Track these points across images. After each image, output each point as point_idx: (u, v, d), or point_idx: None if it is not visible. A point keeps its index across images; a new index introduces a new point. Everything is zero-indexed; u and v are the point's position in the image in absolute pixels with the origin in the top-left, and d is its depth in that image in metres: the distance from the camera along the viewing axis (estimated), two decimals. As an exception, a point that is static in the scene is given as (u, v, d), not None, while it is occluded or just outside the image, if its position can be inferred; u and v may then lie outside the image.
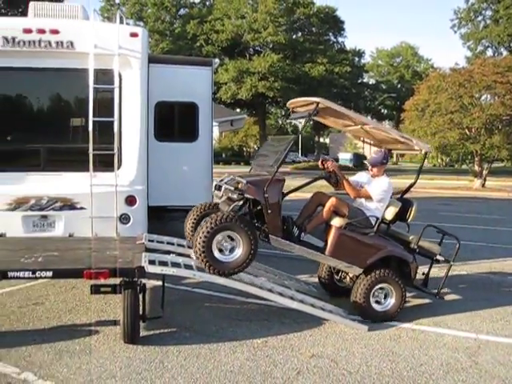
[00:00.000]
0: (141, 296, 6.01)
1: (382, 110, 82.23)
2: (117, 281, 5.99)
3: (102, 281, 5.97)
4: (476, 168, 33.27)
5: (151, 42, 40.55)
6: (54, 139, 8.15)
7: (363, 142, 8.99)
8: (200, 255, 6.17)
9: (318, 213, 7.21)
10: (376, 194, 7.14)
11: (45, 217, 7.94)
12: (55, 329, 6.38)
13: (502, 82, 29.19)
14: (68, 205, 7.87)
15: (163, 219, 9.41)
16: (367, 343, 6.13)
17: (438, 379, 5.25)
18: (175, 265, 6.47)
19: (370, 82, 74.40)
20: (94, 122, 7.63)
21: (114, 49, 7.71)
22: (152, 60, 8.46)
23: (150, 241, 7.38)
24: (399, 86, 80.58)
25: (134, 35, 7.93)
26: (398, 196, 7.80)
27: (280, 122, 72.66)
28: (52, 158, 8.16)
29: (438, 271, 8.66)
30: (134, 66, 7.90)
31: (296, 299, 6.70)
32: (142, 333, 6.01)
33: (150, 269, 5.96)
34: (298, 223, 6.99)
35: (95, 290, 6.06)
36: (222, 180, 6.75)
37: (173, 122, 9.30)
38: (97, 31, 7.92)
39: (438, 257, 7.50)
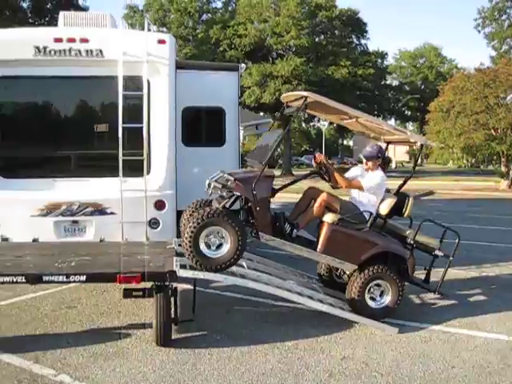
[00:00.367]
0: (172, 299, 6.09)
1: (406, 112, 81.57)
2: (148, 285, 6.09)
3: (133, 285, 6.08)
4: (502, 169, 32.86)
5: (175, 47, 40.66)
6: (84, 145, 8.30)
7: (359, 133, 8.79)
8: (187, 250, 6.21)
9: (310, 209, 7.14)
10: (367, 185, 7.01)
11: (76, 222, 8.07)
12: (88, 332, 6.50)
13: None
14: (98, 210, 7.99)
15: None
16: (398, 345, 6.13)
17: (471, 381, 5.24)
18: (205, 269, 6.55)
19: (394, 84, 73.91)
20: (123, 128, 7.75)
21: (142, 56, 7.81)
22: (179, 66, 8.53)
23: (179, 245, 7.45)
24: (423, 87, 79.94)
25: (161, 42, 8.02)
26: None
27: (304, 125, 72.74)
28: (82, 163, 8.32)
29: (464, 273, 8.63)
30: (162, 73, 7.99)
31: (325, 302, 6.74)
32: (174, 336, 6.10)
33: (182, 273, 6.05)
34: (290, 220, 6.94)
35: (127, 293, 6.18)
36: (212, 177, 6.67)
37: (200, 126, 9.37)
38: (125, 39, 8.05)
39: (437, 252, 7.28)
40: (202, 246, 6.22)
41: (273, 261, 8.21)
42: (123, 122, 7.73)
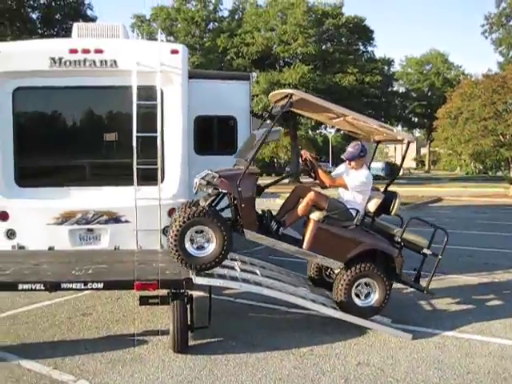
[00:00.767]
0: (188, 306, 6.16)
1: (413, 118, 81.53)
2: (164, 292, 6.17)
3: (150, 292, 6.16)
4: (511, 175, 32.80)
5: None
6: (99, 155, 8.40)
7: (349, 133, 8.73)
8: (172, 248, 6.28)
9: (297, 207, 7.10)
10: (352, 183, 6.98)
11: (91, 230, 8.17)
12: (105, 338, 6.58)
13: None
14: (113, 218, 8.08)
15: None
16: (412, 351, 6.17)
17: (486, 387, 5.28)
18: (221, 276, 6.64)
19: (400, 91, 73.89)
20: (137, 137, 7.86)
21: (155, 66, 7.92)
22: (191, 75, 8.64)
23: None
24: (430, 93, 79.85)
25: (174, 52, 8.14)
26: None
27: (310, 133, 72.74)
28: (97, 172, 8.43)
29: (476, 279, 8.65)
30: (175, 82, 8.10)
31: (339, 309, 6.77)
32: (190, 342, 6.16)
33: (198, 280, 6.13)
34: (277, 217, 6.97)
35: (144, 301, 6.27)
36: (199, 176, 6.67)
37: (212, 135, 9.48)
38: (139, 49, 8.18)
39: (425, 250, 7.19)
40: (188, 245, 6.31)
41: (286, 268, 8.27)
42: (137, 131, 7.84)
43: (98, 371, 5.56)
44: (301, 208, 6.92)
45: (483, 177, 55.62)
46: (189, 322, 6.11)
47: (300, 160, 7.35)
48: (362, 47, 52.69)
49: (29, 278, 6.15)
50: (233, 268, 7.16)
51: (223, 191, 6.63)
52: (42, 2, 40.66)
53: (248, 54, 45.43)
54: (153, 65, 7.94)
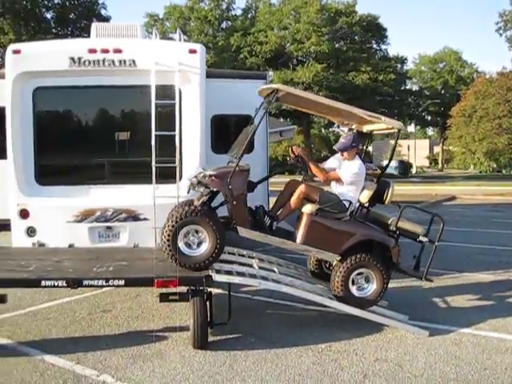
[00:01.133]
0: (207, 303, 6.23)
1: (426, 117, 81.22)
2: (183, 289, 6.26)
3: (170, 289, 6.26)
4: (526, 173, 32.66)
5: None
6: (118, 153, 8.49)
7: (342, 125, 8.62)
8: (166, 248, 6.38)
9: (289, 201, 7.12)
10: (346, 176, 6.99)
11: (110, 228, 8.27)
12: (125, 334, 6.69)
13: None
14: (132, 216, 8.18)
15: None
16: (429, 348, 6.22)
17: (504, 383, 5.31)
18: (240, 274, 6.72)
19: (414, 89, 73.61)
20: (156, 135, 7.95)
21: (174, 65, 7.99)
22: (209, 75, 8.70)
23: None
24: (443, 91, 79.39)
25: (192, 52, 8.21)
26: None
27: (323, 131, 72.62)
28: (116, 171, 8.51)
29: (492, 277, 8.65)
30: (193, 82, 8.17)
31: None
32: (210, 338, 6.24)
33: (217, 278, 6.22)
34: (269, 212, 7.02)
35: (164, 298, 6.36)
36: (192, 175, 6.77)
37: (229, 134, 9.50)
38: (157, 49, 8.27)
39: (421, 238, 7.16)
40: (181, 244, 6.40)
41: (303, 266, 8.34)
42: (156, 130, 7.93)
43: (120, 366, 5.66)
44: (292, 201, 6.96)
45: (497, 175, 55.28)
46: (208, 319, 6.19)
47: (291, 153, 7.32)
48: (375, 45, 52.67)
49: (51, 275, 6.27)
50: (251, 266, 7.24)
51: (213, 189, 6.69)
52: (56, 1, 40.97)
53: (261, 52, 45.57)
54: (171, 64, 8.01)
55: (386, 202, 7.22)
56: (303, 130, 48.84)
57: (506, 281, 9.46)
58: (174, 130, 8.00)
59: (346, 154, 7.14)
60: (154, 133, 7.93)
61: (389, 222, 7.18)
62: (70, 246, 8.04)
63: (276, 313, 7.61)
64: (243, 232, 6.67)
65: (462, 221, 17.98)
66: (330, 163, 7.50)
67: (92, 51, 8.07)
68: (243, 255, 7.89)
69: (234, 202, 6.56)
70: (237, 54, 47.25)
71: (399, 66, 55.85)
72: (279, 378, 5.38)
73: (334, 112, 7.49)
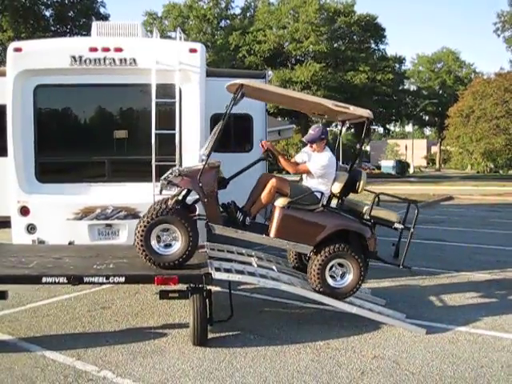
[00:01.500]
0: (207, 301, 6.28)
1: (424, 117, 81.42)
2: (183, 287, 6.31)
3: (170, 286, 6.31)
4: (524, 173, 32.78)
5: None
6: (118, 151, 8.55)
7: (314, 116, 8.53)
8: (139, 246, 6.44)
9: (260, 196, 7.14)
10: (315, 168, 6.98)
11: (109, 225, 8.32)
12: (125, 331, 6.73)
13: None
14: (131, 214, 8.22)
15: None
16: (426, 345, 6.27)
17: (500, 381, 5.36)
18: (239, 272, 6.78)
19: (411, 89, 73.78)
20: (155, 134, 8.00)
21: (174, 64, 8.06)
22: (208, 73, 8.76)
23: (211, 249, 7.67)
24: (441, 91, 79.69)
25: (193, 51, 8.27)
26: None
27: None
28: (116, 169, 8.56)
29: (488, 276, 8.70)
30: (193, 81, 8.22)
31: (355, 304, 6.89)
32: (209, 335, 6.28)
33: (217, 275, 6.26)
34: (244, 208, 7.03)
35: (164, 295, 6.40)
36: (164, 176, 6.80)
37: (228, 133, 9.55)
38: (158, 48, 8.32)
39: (396, 225, 7.07)
40: (153, 243, 6.46)
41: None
42: (156, 129, 7.98)
43: (120, 362, 5.71)
44: (264, 196, 6.99)
45: (494, 175, 55.46)
46: (208, 316, 6.23)
47: (261, 146, 7.35)
48: (373, 45, 52.82)
49: (52, 272, 6.30)
50: (250, 264, 7.29)
51: (184, 188, 6.73)
52: (55, -1, 40.97)
53: (260, 51, 45.66)
54: (172, 63, 8.07)
55: (359, 190, 7.20)
56: (301, 128, 48.87)
57: (502, 280, 9.53)
58: (174, 129, 8.06)
59: (315, 145, 7.18)
60: (154, 131, 7.98)
61: (363, 210, 7.11)
62: (70, 243, 8.08)
63: (274, 310, 7.66)
64: (216, 229, 6.70)
65: (460, 221, 18.08)
66: (300, 156, 7.50)
67: (93, 50, 8.12)
68: (242, 253, 7.94)
69: (205, 200, 6.59)
70: (235, 53, 47.35)
71: (397, 65, 56.00)
72: (278, 374, 5.43)
73: (303, 104, 7.47)
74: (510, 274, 9.93)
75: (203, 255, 7.18)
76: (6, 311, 7.40)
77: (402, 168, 61.47)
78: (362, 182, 7.15)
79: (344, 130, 8.47)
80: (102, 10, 42.17)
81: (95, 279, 6.22)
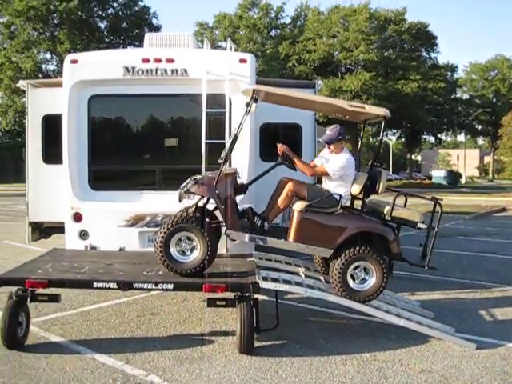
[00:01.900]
0: (254, 309, 6.32)
1: (477, 126, 79.77)
2: (230, 295, 6.37)
3: (217, 294, 6.38)
4: None
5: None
6: (168, 160, 8.71)
7: (336, 117, 8.27)
8: (158, 253, 6.51)
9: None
10: (333, 170, 6.92)
11: None
12: (172, 337, 6.83)
13: None
14: None
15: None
16: (476, 361, 6.14)
17: (553, 399, 5.23)
18: (286, 281, 6.80)
19: (464, 97, 72.47)
20: (206, 143, 8.12)
21: (224, 74, 8.17)
22: (258, 83, 8.81)
23: (259, 258, 7.71)
24: (494, 100, 77.92)
25: (243, 61, 8.36)
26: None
27: (371, 140, 72.08)
28: (166, 177, 8.71)
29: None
30: (243, 91, 8.30)
31: (402, 317, 6.80)
32: (256, 344, 6.30)
33: (264, 285, 6.31)
34: (264, 213, 7.00)
35: (211, 303, 6.47)
36: (183, 185, 6.87)
37: (278, 142, 9.62)
38: (209, 58, 8.46)
39: (420, 225, 6.89)
40: (172, 250, 6.52)
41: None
42: (206, 138, 8.10)
43: (167, 368, 5.80)
44: (281, 200, 6.97)
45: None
46: (254, 325, 6.27)
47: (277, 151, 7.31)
48: (424, 53, 52.14)
49: (103, 277, 6.48)
50: (297, 274, 7.31)
51: (201, 196, 6.75)
52: (109, 11, 42.07)
53: (310, 60, 45.67)
54: (222, 73, 8.18)
55: (380, 190, 7.05)
56: (352, 138, 48.53)
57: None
58: (224, 138, 8.15)
59: (332, 146, 7.12)
60: (204, 140, 8.10)
61: (385, 211, 6.96)
62: (121, 249, 8.26)
63: (321, 320, 7.64)
64: (234, 235, 6.74)
65: (514, 233, 17.65)
66: (319, 160, 7.43)
67: (145, 61, 8.31)
68: (290, 263, 7.96)
69: (223, 207, 6.63)
70: (285, 62, 47.48)
71: (449, 74, 55.14)
72: (323, 385, 5.43)
73: (318, 106, 7.47)
74: None
75: (251, 264, 7.24)
76: (59, 314, 7.63)
77: (453, 178, 60.26)
78: (382, 182, 7.02)
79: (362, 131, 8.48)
80: (154, 21, 43.10)
81: (144, 285, 6.36)
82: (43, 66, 43.23)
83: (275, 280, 6.69)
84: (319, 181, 7.81)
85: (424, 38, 50.10)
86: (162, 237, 6.51)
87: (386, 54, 47.93)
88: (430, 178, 66.62)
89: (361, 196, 7.02)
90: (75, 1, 36.87)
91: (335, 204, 6.79)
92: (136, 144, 8.81)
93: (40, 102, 9.55)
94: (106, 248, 8.31)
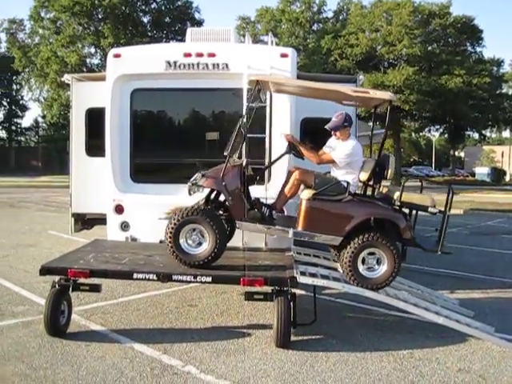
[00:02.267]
0: (291, 304, 6.34)
1: (523, 122, 77.77)
2: (267, 289, 6.41)
3: (255, 288, 6.42)
4: None
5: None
6: (208, 154, 8.77)
7: (345, 104, 8.08)
8: (168, 245, 6.61)
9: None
10: (339, 158, 6.88)
11: None
12: (210, 329, 6.92)
13: None
14: None
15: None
16: (516, 362, 6.05)
17: None
18: (324, 277, 6.81)
19: (510, 93, 70.66)
20: (247, 138, 8.13)
21: (265, 69, 8.17)
22: (299, 78, 8.82)
23: (297, 253, 7.73)
24: (543, 96, 75.81)
25: (284, 55, 8.37)
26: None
27: (413, 136, 71.15)
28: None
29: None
30: (284, 85, 8.31)
31: (441, 315, 6.71)
32: (292, 338, 6.33)
33: (302, 279, 6.33)
34: (266, 203, 7.03)
35: (249, 296, 6.52)
36: (192, 179, 6.92)
37: (318, 137, 9.59)
38: (250, 53, 8.49)
39: (431, 209, 6.77)
40: (182, 241, 6.62)
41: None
42: (248, 133, 8.12)
43: (204, 359, 5.88)
44: (287, 188, 7.00)
45: None
46: (291, 319, 6.29)
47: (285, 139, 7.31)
48: (469, 48, 50.97)
49: (143, 269, 6.61)
50: (335, 269, 7.30)
51: (209, 188, 6.83)
52: (152, 6, 42.51)
53: (352, 55, 45.20)
54: (263, 68, 8.18)
55: (388, 176, 6.99)
56: (393, 133, 47.97)
57: None
58: (265, 133, 8.18)
59: (338, 133, 7.10)
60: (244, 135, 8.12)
61: (395, 197, 6.86)
62: (161, 241, 8.35)
63: (358, 316, 7.64)
64: (243, 226, 6.81)
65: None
66: (329, 144, 7.39)
67: (187, 55, 8.40)
68: (328, 258, 7.96)
69: (230, 198, 6.68)
70: (327, 57, 47.07)
71: (495, 68, 53.74)
72: (359, 380, 5.42)
73: (323, 93, 7.37)
74: None
75: (289, 258, 7.27)
76: (100, 303, 7.82)
77: (497, 175, 59.09)
78: (390, 168, 6.95)
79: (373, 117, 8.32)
80: (196, 15, 43.35)
81: (183, 278, 6.46)
82: (87, 60, 44.12)
83: (313, 275, 6.70)
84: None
85: (469, 31, 48.98)
86: (172, 228, 6.63)
87: (429, 48, 46.98)
88: (473, 174, 65.44)
89: (371, 183, 6.99)
90: (119, -4, 37.51)
91: (343, 191, 6.75)
92: (177, 137, 8.92)
93: (84, 95, 9.76)
94: (146, 240, 8.45)
